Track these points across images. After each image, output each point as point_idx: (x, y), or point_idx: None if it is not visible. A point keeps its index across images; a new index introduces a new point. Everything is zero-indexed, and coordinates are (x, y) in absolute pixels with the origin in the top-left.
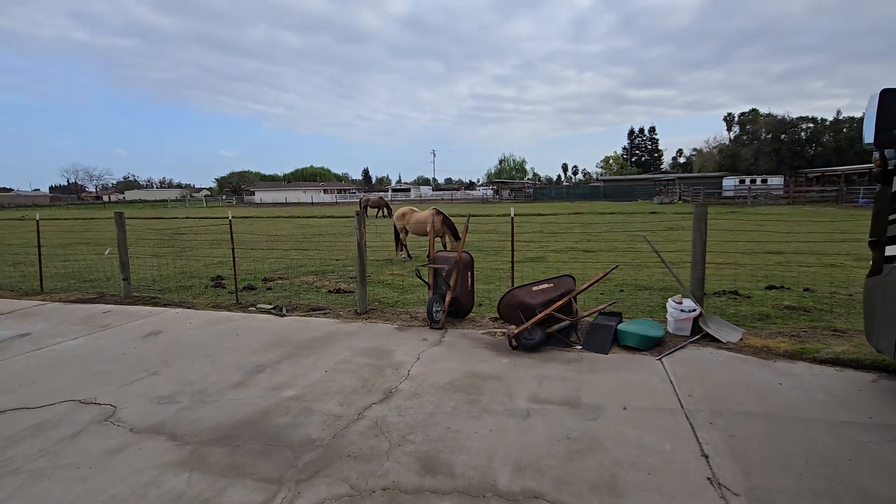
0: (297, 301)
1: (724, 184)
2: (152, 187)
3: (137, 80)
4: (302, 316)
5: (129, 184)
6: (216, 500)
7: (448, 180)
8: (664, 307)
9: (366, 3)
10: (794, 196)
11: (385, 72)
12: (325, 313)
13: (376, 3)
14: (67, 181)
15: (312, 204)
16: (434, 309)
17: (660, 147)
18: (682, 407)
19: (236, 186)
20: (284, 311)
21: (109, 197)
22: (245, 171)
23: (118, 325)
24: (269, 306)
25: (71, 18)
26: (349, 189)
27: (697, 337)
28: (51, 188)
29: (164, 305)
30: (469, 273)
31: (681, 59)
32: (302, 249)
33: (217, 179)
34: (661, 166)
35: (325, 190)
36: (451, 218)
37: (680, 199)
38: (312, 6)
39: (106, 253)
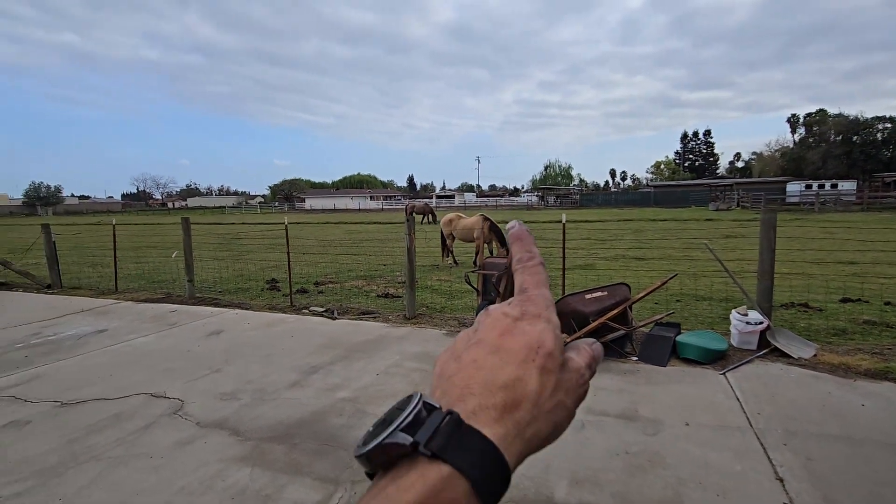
0: (347, 304)
1: (788, 189)
2: (211, 195)
3: (199, 95)
4: (353, 319)
5: (190, 191)
6: (277, 495)
7: (492, 187)
8: (726, 319)
9: (412, 13)
10: (868, 202)
11: (430, 80)
12: (375, 317)
13: (422, 13)
14: (137, 189)
15: (359, 210)
16: None
17: (715, 151)
18: (750, 425)
19: (288, 193)
20: (336, 315)
21: (174, 203)
22: (296, 179)
23: (184, 324)
24: (322, 309)
25: (144, 38)
26: (394, 195)
27: (765, 351)
28: (122, 195)
29: (225, 306)
30: None
31: (737, 59)
32: (351, 254)
33: (270, 187)
34: (717, 171)
35: (371, 196)
36: (497, 224)
37: (738, 205)
38: (362, 18)
39: (173, 256)
